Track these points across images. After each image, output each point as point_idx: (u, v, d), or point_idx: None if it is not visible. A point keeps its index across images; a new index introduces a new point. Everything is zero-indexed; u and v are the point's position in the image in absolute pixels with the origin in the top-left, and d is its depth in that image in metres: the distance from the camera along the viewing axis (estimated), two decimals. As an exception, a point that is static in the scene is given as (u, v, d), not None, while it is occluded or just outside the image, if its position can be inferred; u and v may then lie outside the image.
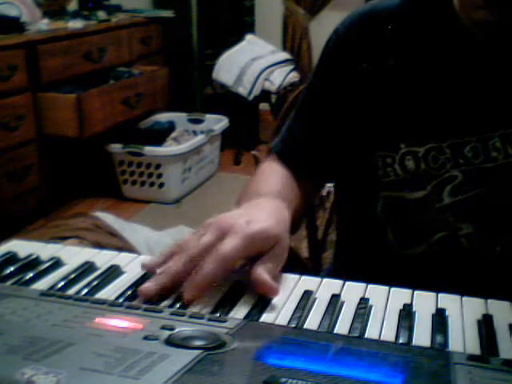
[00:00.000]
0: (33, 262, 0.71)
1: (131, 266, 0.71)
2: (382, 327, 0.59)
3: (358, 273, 0.71)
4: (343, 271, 0.98)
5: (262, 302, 0.63)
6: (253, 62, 3.70)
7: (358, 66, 0.88)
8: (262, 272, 0.64)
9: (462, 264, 0.86)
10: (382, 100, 0.87)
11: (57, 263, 0.72)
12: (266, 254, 0.67)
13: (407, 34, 0.86)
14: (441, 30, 0.85)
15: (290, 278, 0.69)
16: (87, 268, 0.70)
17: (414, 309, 0.62)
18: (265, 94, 3.75)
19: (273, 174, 0.93)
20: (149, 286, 0.63)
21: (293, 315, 0.61)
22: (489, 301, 0.64)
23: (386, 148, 0.87)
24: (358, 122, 0.90)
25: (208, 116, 3.70)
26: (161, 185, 3.21)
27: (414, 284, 0.66)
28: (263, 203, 0.76)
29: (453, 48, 0.84)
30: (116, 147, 3.17)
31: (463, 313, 0.62)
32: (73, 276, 0.68)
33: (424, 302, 0.64)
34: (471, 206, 0.84)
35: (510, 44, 0.81)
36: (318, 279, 0.69)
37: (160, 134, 3.35)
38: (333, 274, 0.99)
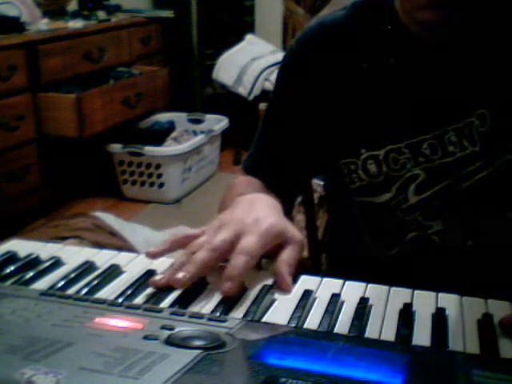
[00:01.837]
0: (33, 262, 0.71)
1: (131, 266, 0.71)
2: (381, 327, 0.59)
3: (344, 273, 0.71)
4: (334, 270, 0.99)
5: (262, 301, 0.63)
6: (253, 62, 3.69)
7: (316, 77, 0.91)
8: (281, 265, 0.67)
9: (437, 262, 0.88)
10: (339, 109, 0.90)
11: (57, 263, 0.72)
12: (282, 248, 0.69)
13: (357, 43, 0.89)
14: (386, 34, 0.87)
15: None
16: (87, 267, 0.70)
17: (413, 308, 0.62)
18: (265, 94, 3.75)
19: (249, 182, 0.96)
20: (183, 275, 0.65)
21: (293, 315, 0.61)
22: (489, 301, 0.64)
23: (349, 155, 0.89)
24: (318, 134, 0.92)
25: (208, 116, 3.69)
26: (161, 185, 3.21)
27: (396, 285, 0.67)
28: (256, 198, 0.78)
29: (399, 50, 0.87)
30: (116, 147, 3.17)
31: (463, 313, 0.62)
32: (73, 276, 0.68)
33: (424, 302, 0.64)
34: (436, 202, 0.86)
35: (454, 41, 0.83)
36: (318, 279, 0.69)
37: (160, 134, 3.35)
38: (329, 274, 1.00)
